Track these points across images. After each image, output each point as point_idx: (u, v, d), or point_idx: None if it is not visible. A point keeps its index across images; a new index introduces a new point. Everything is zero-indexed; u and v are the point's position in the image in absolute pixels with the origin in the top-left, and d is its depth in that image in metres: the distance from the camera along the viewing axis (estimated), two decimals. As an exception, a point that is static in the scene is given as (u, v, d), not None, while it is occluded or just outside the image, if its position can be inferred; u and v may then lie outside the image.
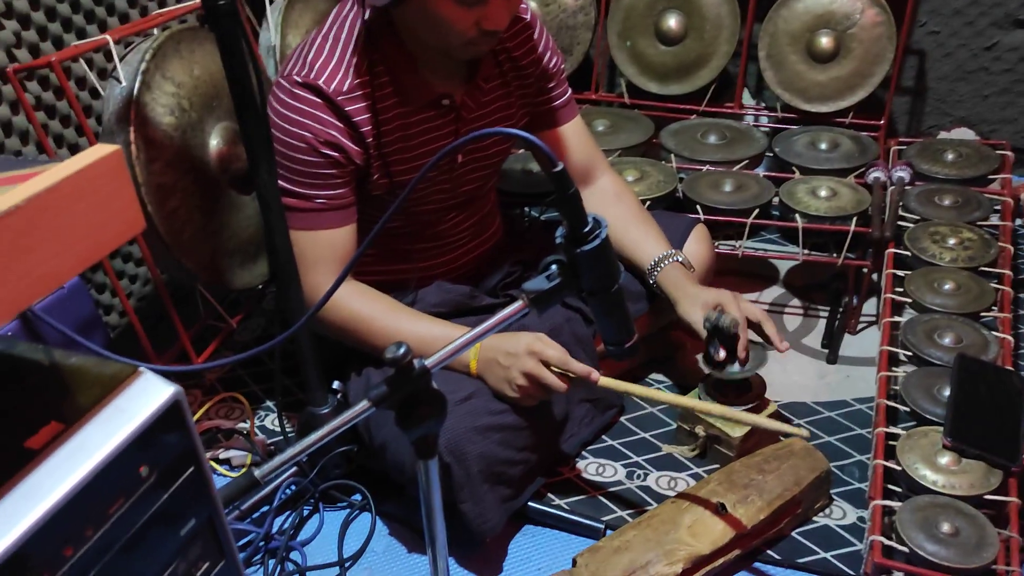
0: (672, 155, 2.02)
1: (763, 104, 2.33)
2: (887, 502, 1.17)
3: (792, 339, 1.83)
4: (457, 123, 1.40)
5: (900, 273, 1.60)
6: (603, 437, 1.58)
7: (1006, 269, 1.53)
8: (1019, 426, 1.19)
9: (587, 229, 0.86)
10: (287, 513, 1.43)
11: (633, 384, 1.36)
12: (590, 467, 1.51)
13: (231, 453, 1.55)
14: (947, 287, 1.49)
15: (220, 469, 1.54)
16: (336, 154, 1.29)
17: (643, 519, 1.29)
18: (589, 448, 1.55)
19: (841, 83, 2.11)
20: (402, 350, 0.84)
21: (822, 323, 1.86)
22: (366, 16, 1.29)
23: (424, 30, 1.27)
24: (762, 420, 1.32)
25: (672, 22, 2.20)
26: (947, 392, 1.26)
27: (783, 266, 2.04)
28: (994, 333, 1.39)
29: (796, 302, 1.94)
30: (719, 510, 1.29)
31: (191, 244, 1.35)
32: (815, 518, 1.37)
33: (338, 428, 0.85)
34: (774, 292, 1.98)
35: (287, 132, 1.28)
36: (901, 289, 1.55)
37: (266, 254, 1.37)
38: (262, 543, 1.36)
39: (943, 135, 2.39)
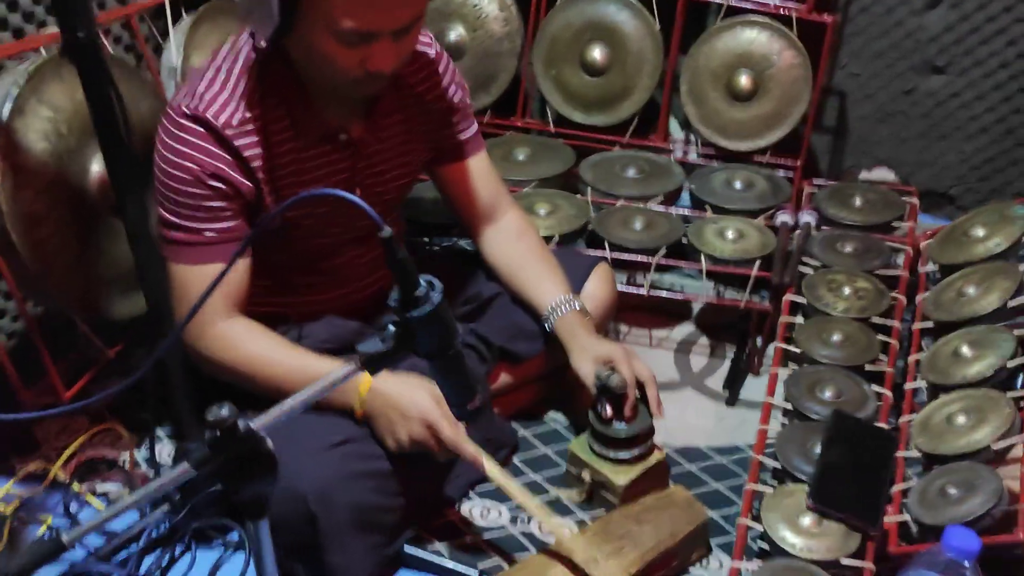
0: (588, 188, 2.02)
1: (693, 139, 2.33)
2: (745, 564, 1.16)
3: (695, 379, 1.84)
4: (355, 159, 1.38)
5: (797, 320, 1.61)
6: (493, 478, 1.56)
7: (895, 321, 1.54)
8: (882, 488, 1.20)
9: (419, 293, 0.84)
10: (159, 551, 1.39)
11: (513, 486, 1.33)
12: (475, 509, 1.50)
13: (108, 486, 1.51)
14: (835, 338, 1.50)
15: (94, 503, 1.49)
16: (223, 186, 1.26)
17: (512, 570, 1.28)
18: (477, 489, 1.53)
19: (760, 122, 2.12)
20: (224, 411, 0.81)
21: (728, 364, 1.86)
22: (258, 48, 1.27)
23: (310, 65, 1.24)
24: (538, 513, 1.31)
25: (596, 53, 2.19)
26: (819, 449, 1.27)
27: (698, 303, 2.04)
28: (874, 388, 1.40)
29: (704, 341, 1.95)
30: (589, 562, 1.28)
31: (63, 274, 1.31)
32: (692, 569, 1.37)
33: (154, 492, 0.82)
34: (685, 330, 1.98)
35: (173, 164, 1.24)
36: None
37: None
38: (127, 584, 1.32)
39: (864, 175, 2.42)
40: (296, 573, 1.32)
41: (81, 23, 1.01)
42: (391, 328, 0.86)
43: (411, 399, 1.28)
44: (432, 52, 1.44)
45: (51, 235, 1.28)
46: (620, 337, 1.95)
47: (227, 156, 1.25)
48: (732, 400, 1.74)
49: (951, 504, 1.12)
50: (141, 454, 1.57)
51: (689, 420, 1.71)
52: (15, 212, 1.22)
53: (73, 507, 1.49)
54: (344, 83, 1.24)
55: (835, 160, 2.43)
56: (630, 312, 2.00)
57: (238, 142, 1.25)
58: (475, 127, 1.56)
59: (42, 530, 1.44)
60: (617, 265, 1.82)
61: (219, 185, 1.25)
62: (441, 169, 1.56)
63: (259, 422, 0.85)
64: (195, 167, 1.24)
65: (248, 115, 1.25)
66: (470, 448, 1.29)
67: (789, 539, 1.17)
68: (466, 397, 0.96)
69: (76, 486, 1.53)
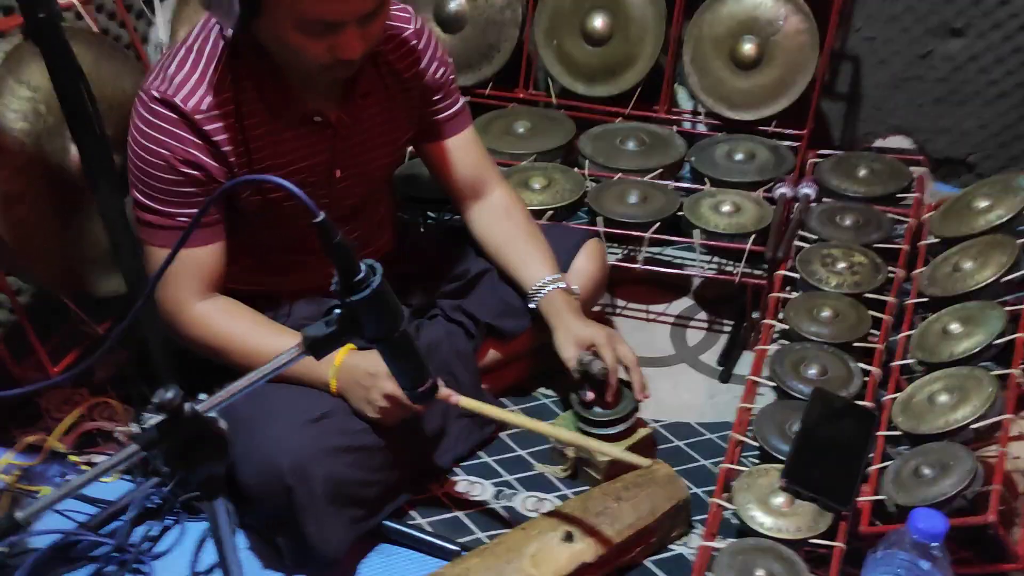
0: (587, 161, 1.99)
1: (702, 108, 2.27)
2: (714, 544, 1.15)
3: (690, 354, 1.82)
4: (334, 139, 1.37)
5: (794, 296, 1.57)
6: (479, 453, 1.56)
7: (890, 296, 1.51)
8: (858, 468, 1.18)
9: (359, 277, 0.84)
10: (148, 524, 1.43)
11: (490, 406, 1.35)
12: (460, 484, 1.50)
13: (104, 458, 1.54)
14: (825, 314, 1.47)
15: (91, 473, 1.53)
16: (196, 172, 1.26)
17: (489, 546, 1.28)
18: (463, 464, 1.54)
19: (765, 91, 2.07)
20: (170, 394, 0.82)
21: (724, 339, 1.84)
22: (228, 32, 1.26)
23: (279, 54, 1.24)
24: (614, 451, 1.31)
25: (598, 22, 2.15)
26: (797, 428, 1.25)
27: (697, 278, 2.01)
28: (861, 365, 1.37)
29: (703, 315, 1.92)
30: (566, 539, 1.28)
31: (44, 252, 1.33)
32: (671, 546, 1.36)
33: (105, 471, 0.84)
34: (683, 304, 1.96)
35: (145, 149, 1.25)
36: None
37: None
38: (115, 554, 1.36)
39: (879, 142, 2.35)
40: (279, 546, 1.34)
41: (41, 4, 1.01)
42: (336, 312, 0.86)
43: (373, 363, 1.28)
44: (411, 28, 1.42)
45: (30, 213, 1.30)
46: (616, 311, 1.93)
47: (198, 141, 1.25)
48: (725, 377, 1.72)
49: (924, 484, 1.10)
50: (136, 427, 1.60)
51: (681, 396, 1.70)
52: (-7, 192, 1.24)
53: (70, 476, 1.53)
54: (314, 69, 1.23)
55: (848, 128, 2.36)
56: (628, 286, 1.99)
57: (208, 127, 1.25)
58: (460, 104, 1.54)
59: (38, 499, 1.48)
60: (613, 240, 1.80)
61: (190, 171, 1.26)
62: (426, 147, 1.55)
63: (206, 404, 0.86)
64: (167, 152, 1.24)
65: (219, 99, 1.25)
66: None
67: (759, 518, 1.15)
68: (417, 380, 0.96)
69: (74, 457, 1.57)
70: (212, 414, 0.87)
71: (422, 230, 1.89)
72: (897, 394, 1.29)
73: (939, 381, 1.25)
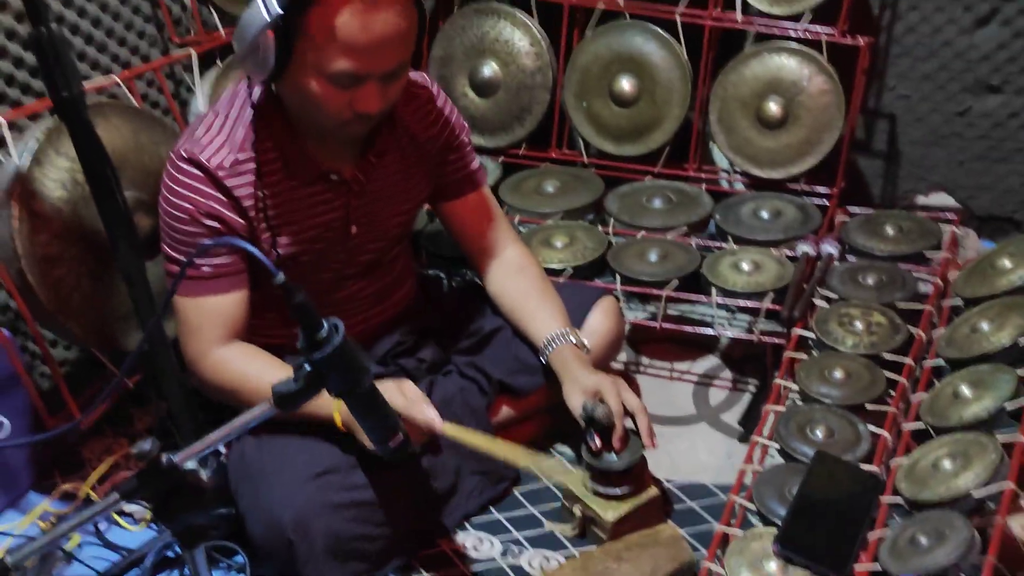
0: (612, 219, 2.02)
1: (737, 168, 2.27)
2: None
3: (711, 414, 1.80)
4: (348, 196, 1.44)
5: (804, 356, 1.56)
6: (490, 508, 1.57)
7: (908, 358, 1.47)
8: (857, 534, 1.14)
9: (322, 335, 0.88)
10: (167, 572, 1.48)
11: (475, 434, 1.35)
12: (469, 540, 1.51)
13: (133, 506, 1.61)
14: (837, 375, 1.44)
15: (121, 522, 1.59)
16: (218, 225, 1.34)
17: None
18: (474, 519, 1.55)
19: (792, 150, 2.07)
20: (148, 445, 0.87)
21: (747, 399, 1.81)
22: (254, 94, 1.35)
23: (302, 108, 1.31)
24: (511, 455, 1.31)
25: (625, 84, 2.19)
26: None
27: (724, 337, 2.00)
28: (871, 428, 1.34)
29: (727, 374, 1.90)
30: (563, 599, 1.27)
31: (79, 310, 1.42)
32: (679, 610, 1.34)
33: (80, 523, 0.89)
34: (708, 362, 1.94)
35: (172, 204, 1.34)
36: (800, 374, 1.50)
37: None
38: (132, 603, 1.41)
39: (920, 200, 2.31)
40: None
41: (65, 85, 1.10)
42: (305, 367, 0.90)
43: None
44: (429, 92, 1.49)
45: (66, 275, 1.39)
46: (641, 369, 1.93)
47: (221, 196, 1.33)
48: (745, 437, 1.69)
49: (919, 554, 1.06)
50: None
51: (699, 455, 1.68)
52: (32, 255, 1.34)
53: (102, 526, 1.60)
54: (333, 124, 1.30)
55: (888, 186, 2.33)
56: (654, 344, 1.99)
57: (230, 182, 1.33)
58: (475, 163, 1.59)
59: (70, 545, 1.55)
60: (636, 298, 1.81)
61: (214, 224, 1.33)
62: (442, 205, 1.60)
63: (183, 455, 0.90)
64: (191, 207, 1.32)
65: (241, 157, 1.33)
66: (422, 414, 1.31)
67: (749, 584, 1.13)
68: (385, 434, 0.99)
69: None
70: (191, 465, 0.91)
71: (445, 288, 1.93)
72: (904, 459, 1.26)
73: (945, 446, 1.21)
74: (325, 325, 0.88)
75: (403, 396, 1.31)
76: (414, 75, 1.49)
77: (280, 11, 1.17)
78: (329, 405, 1.35)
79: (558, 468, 1.37)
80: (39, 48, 1.08)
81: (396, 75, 1.28)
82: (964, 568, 1.02)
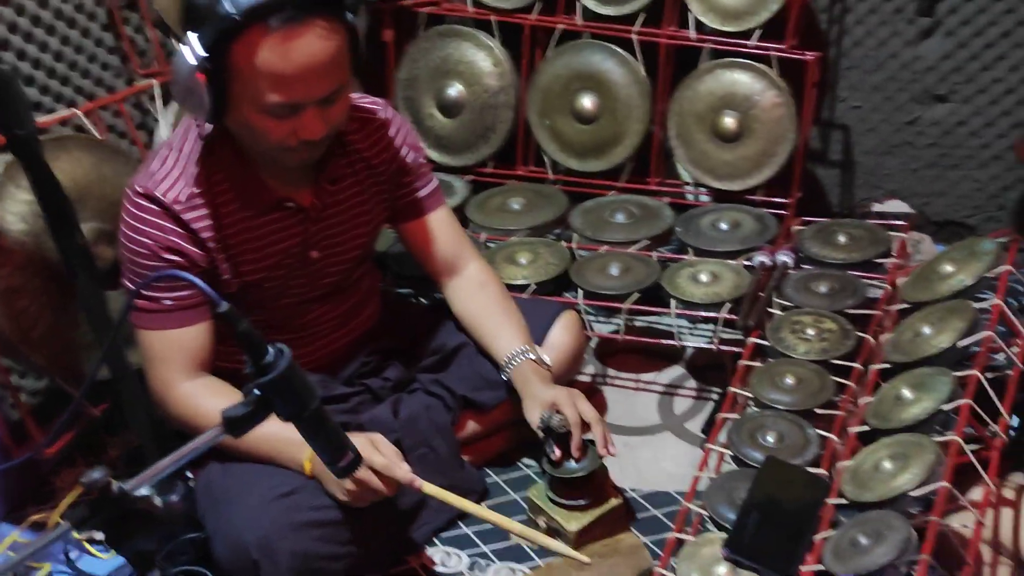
0: (575, 235, 2.06)
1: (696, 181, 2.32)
2: (654, 614, 1.17)
3: (676, 423, 1.83)
4: (306, 223, 1.46)
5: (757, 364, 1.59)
6: (459, 523, 1.60)
7: (856, 363, 1.51)
8: (803, 537, 1.18)
9: (268, 360, 0.91)
10: (135, 597, 1.49)
11: (455, 496, 1.37)
12: (437, 555, 1.54)
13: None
14: (788, 381, 1.48)
15: (92, 550, 1.61)
16: (178, 258, 1.36)
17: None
18: (443, 534, 1.58)
19: (749, 162, 2.12)
20: (97, 474, 0.89)
21: (711, 407, 1.85)
22: (204, 129, 1.38)
23: (250, 140, 1.34)
24: (552, 544, 1.34)
25: (587, 102, 2.24)
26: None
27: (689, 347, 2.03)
28: (818, 432, 1.38)
29: (692, 383, 1.94)
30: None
31: (42, 340, 1.44)
32: (634, 617, 1.37)
33: (30, 554, 0.91)
34: (674, 372, 1.98)
35: (131, 240, 1.36)
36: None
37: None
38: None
39: (877, 207, 2.36)
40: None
41: (17, 123, 1.13)
42: (254, 392, 0.93)
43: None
44: (381, 116, 1.52)
45: (29, 306, 1.42)
46: (606, 381, 1.96)
47: (179, 229, 1.36)
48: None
49: (859, 554, 1.10)
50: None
51: (663, 464, 1.72)
52: (-6, 287, 1.36)
53: (73, 554, 1.61)
54: (281, 154, 1.33)
55: (845, 195, 2.39)
56: (620, 356, 2.02)
57: (187, 215, 1.36)
58: (432, 185, 1.62)
59: (40, 575, 1.57)
60: (603, 311, 1.85)
61: (173, 257, 1.36)
62: (402, 226, 1.64)
63: (134, 482, 0.93)
64: (150, 242, 1.35)
65: (196, 190, 1.36)
66: (403, 473, 1.33)
67: (698, 589, 1.16)
68: (335, 455, 1.02)
69: (76, 534, 1.65)
70: (144, 491, 0.93)
71: (415, 303, 1.96)
72: (850, 461, 1.29)
73: (886, 448, 1.25)
74: (271, 351, 0.91)
75: (380, 454, 1.33)
76: (367, 101, 1.53)
77: (205, 54, 1.19)
78: (300, 452, 1.37)
79: (534, 534, 1.39)
80: (-8, 87, 1.11)
81: (332, 99, 1.29)
82: (901, 567, 1.06)
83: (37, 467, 1.75)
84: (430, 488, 1.36)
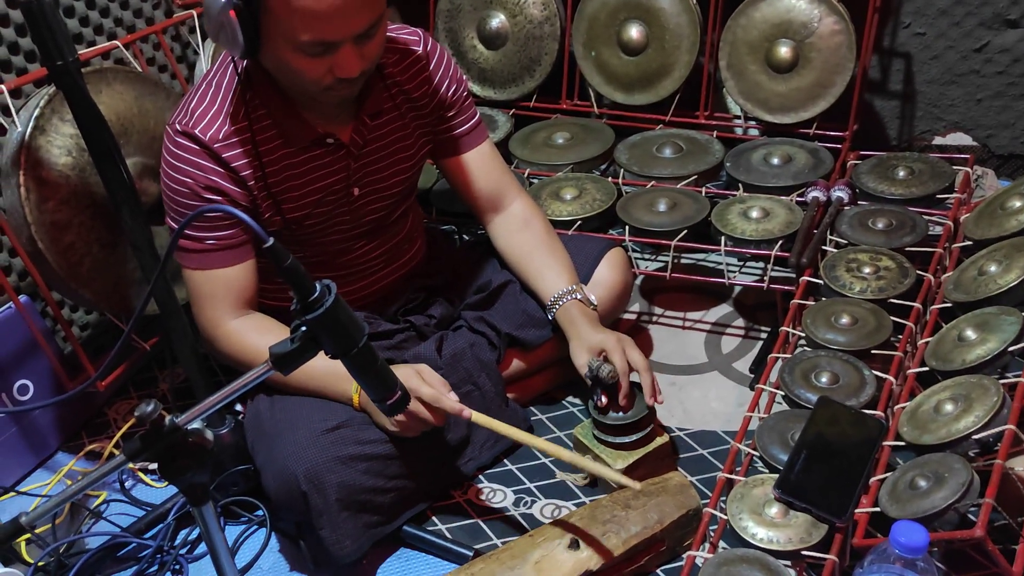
0: (621, 170, 2.01)
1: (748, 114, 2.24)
2: (702, 554, 1.15)
3: (723, 362, 1.80)
4: (347, 159, 1.44)
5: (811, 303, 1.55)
6: (504, 461, 1.60)
7: (915, 302, 1.46)
8: (858, 479, 1.15)
9: (314, 297, 0.89)
10: (189, 528, 1.52)
11: (502, 424, 1.37)
12: (483, 491, 1.55)
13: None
14: (843, 321, 1.44)
15: (146, 479, 1.65)
16: (218, 197, 1.35)
17: (497, 552, 1.32)
18: (487, 471, 1.58)
19: (803, 93, 2.03)
20: (150, 407, 0.89)
21: (760, 346, 1.82)
22: (240, 65, 1.34)
23: (285, 78, 1.31)
24: (603, 471, 1.32)
25: (633, 32, 2.16)
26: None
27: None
28: (876, 373, 1.34)
29: (740, 322, 1.90)
30: (571, 546, 1.30)
31: (91, 275, 1.44)
32: (686, 555, 1.36)
33: (94, 481, 0.92)
34: (721, 311, 1.94)
35: (172, 179, 1.35)
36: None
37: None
38: (157, 556, 1.46)
39: (938, 140, 2.27)
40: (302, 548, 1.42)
41: (57, 52, 1.11)
42: (301, 329, 0.92)
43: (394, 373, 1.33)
44: (420, 49, 1.48)
45: (76, 241, 1.41)
46: (653, 319, 1.93)
47: (218, 168, 1.34)
48: (755, 384, 1.70)
49: (917, 497, 1.07)
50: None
51: (710, 403, 1.69)
52: (41, 221, 1.36)
53: (128, 483, 1.65)
54: (318, 91, 1.30)
55: (904, 127, 2.29)
56: (667, 294, 1.99)
57: (226, 154, 1.33)
58: (475, 119, 1.58)
59: (97, 503, 1.61)
60: (650, 248, 1.80)
61: (213, 196, 1.34)
62: (444, 162, 1.60)
63: (186, 417, 0.93)
64: (191, 181, 1.33)
65: (235, 127, 1.33)
66: (450, 403, 1.34)
67: (751, 529, 1.14)
68: (383, 392, 1.01)
69: (131, 465, 1.69)
70: (195, 425, 0.94)
71: (457, 243, 1.94)
72: (908, 403, 1.26)
73: (947, 390, 1.21)
74: (317, 287, 0.89)
75: (428, 385, 1.34)
76: (407, 32, 1.48)
77: None
78: (347, 385, 1.38)
79: (583, 460, 1.38)
80: (31, 17, 1.09)
81: (369, 35, 1.24)
82: (962, 510, 1.03)
83: (91, 399, 1.79)
84: (478, 417, 1.35)
